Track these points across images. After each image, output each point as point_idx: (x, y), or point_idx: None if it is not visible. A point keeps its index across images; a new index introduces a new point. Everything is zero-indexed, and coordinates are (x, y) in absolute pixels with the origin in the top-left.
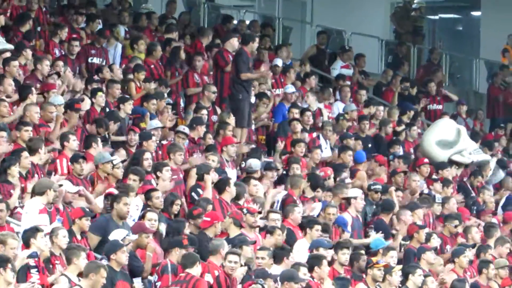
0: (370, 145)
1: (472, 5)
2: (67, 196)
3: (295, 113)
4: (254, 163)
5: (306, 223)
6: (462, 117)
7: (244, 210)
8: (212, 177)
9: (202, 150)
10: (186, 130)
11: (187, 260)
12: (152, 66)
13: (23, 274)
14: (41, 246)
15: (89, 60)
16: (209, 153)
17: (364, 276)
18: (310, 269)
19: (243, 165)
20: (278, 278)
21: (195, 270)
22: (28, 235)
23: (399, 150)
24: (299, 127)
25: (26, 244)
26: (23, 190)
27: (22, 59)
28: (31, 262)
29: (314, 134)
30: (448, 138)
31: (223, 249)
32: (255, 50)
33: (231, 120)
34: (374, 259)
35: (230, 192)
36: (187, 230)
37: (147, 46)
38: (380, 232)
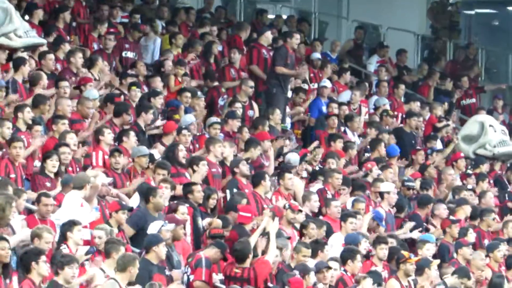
0: (413, 142)
1: (508, 0)
2: (102, 190)
3: (334, 107)
4: (294, 158)
5: (341, 217)
6: (498, 111)
7: (286, 205)
8: (242, 169)
9: (237, 144)
10: (218, 120)
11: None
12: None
13: None
14: (77, 240)
15: (123, 55)
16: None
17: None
18: (343, 263)
19: (280, 159)
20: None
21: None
22: (66, 228)
23: (436, 145)
24: (336, 122)
25: (63, 237)
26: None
27: (61, 53)
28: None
29: (342, 129)
30: (472, 132)
31: (286, 249)
32: (295, 46)
33: (276, 115)
34: (405, 253)
35: (265, 186)
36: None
37: (187, 41)
38: (420, 229)
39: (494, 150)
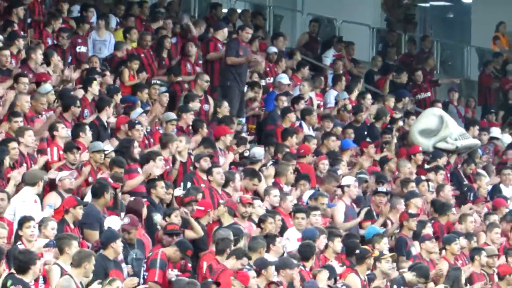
0: (365, 133)
1: None
2: (65, 184)
3: (284, 100)
4: (258, 152)
5: (292, 212)
6: (454, 104)
7: (237, 199)
8: (202, 164)
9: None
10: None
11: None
12: (143, 55)
13: None
14: (27, 236)
15: (77, 50)
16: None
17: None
18: (305, 259)
19: (246, 154)
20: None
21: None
22: (18, 226)
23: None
24: (294, 117)
25: (17, 234)
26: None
27: (14, 48)
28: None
29: (297, 123)
30: (430, 126)
31: (229, 249)
32: (245, 39)
33: (224, 109)
34: (369, 248)
35: (214, 180)
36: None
37: (138, 35)
38: (367, 208)
39: (456, 143)
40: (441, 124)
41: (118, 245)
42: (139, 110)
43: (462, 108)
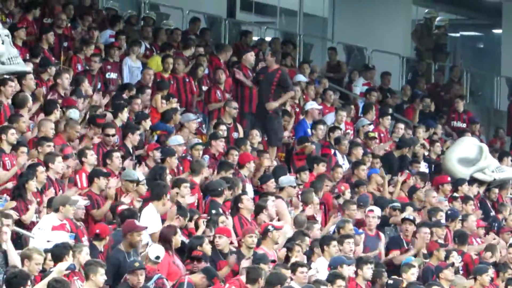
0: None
1: (493, 22)
2: (78, 213)
3: (319, 129)
4: (285, 180)
5: (322, 241)
6: (476, 134)
7: (270, 228)
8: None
9: None
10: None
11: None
12: (173, 82)
13: None
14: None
15: (107, 76)
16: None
17: None
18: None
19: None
20: None
21: None
22: (63, 252)
23: (419, 168)
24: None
25: (59, 260)
26: (39, 204)
27: (46, 75)
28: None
29: (332, 151)
30: (469, 155)
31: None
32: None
33: (253, 137)
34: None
35: (245, 207)
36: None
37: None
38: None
39: (494, 176)
40: (480, 154)
41: (131, 278)
42: (179, 139)
43: (484, 138)
